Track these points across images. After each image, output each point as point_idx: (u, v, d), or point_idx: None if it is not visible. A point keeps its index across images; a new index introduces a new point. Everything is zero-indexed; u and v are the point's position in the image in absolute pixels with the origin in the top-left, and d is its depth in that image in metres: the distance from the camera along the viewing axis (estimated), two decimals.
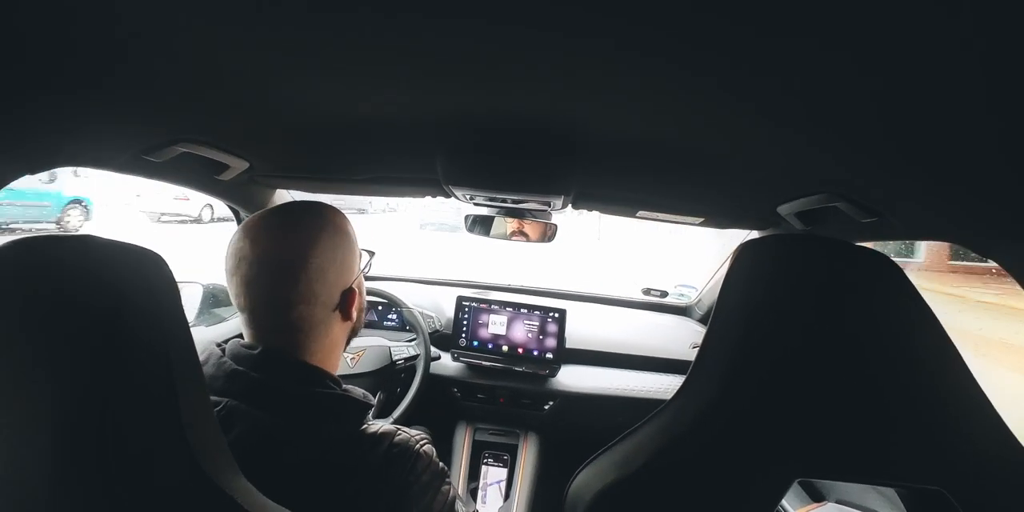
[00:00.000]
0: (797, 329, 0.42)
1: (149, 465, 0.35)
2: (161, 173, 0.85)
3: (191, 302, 1.30)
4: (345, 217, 0.66)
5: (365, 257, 0.72)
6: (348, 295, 0.63)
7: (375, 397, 1.35)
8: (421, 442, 0.61)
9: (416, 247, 8.29)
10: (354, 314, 0.65)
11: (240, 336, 0.61)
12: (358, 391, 0.61)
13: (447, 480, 0.62)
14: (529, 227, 1.34)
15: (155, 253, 0.40)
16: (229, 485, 0.38)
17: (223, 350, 0.59)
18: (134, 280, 0.36)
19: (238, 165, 0.91)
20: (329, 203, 0.66)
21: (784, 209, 0.91)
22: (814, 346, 0.41)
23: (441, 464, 0.62)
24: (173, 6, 0.38)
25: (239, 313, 0.59)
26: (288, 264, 0.57)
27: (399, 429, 0.62)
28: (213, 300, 1.39)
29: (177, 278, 0.41)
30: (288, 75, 0.51)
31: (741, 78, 0.43)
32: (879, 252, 0.45)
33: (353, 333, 0.69)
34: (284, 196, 1.34)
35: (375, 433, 0.59)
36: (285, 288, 0.57)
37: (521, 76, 0.47)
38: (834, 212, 0.79)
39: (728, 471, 0.42)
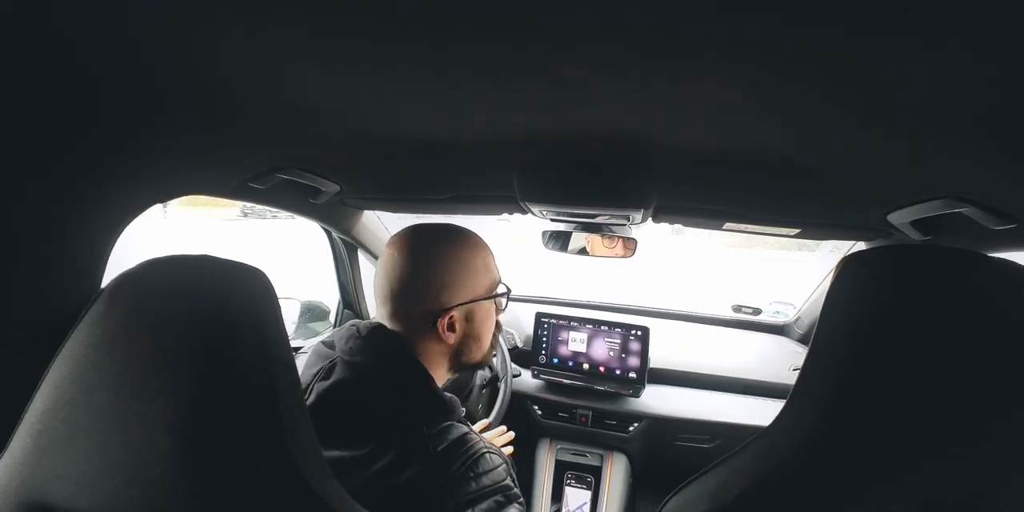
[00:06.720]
0: (913, 352, 0.37)
1: (254, 471, 0.37)
2: (265, 198, 0.95)
3: (290, 316, 1.42)
4: (469, 246, 0.71)
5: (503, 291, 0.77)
6: (441, 314, 0.67)
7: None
8: (491, 449, 0.61)
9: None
10: (447, 335, 0.68)
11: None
12: (454, 403, 0.67)
13: (513, 500, 0.59)
14: (608, 242, 1.32)
15: (260, 271, 0.44)
16: (327, 493, 0.41)
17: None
18: (243, 298, 0.40)
19: (330, 189, 0.99)
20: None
21: (896, 217, 0.82)
22: (934, 371, 0.36)
23: (510, 483, 0.60)
24: (273, 52, 0.42)
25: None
26: (404, 273, 0.67)
27: (471, 432, 0.63)
28: (309, 315, 1.50)
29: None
30: (374, 105, 0.55)
31: (841, 77, 0.39)
32: (1018, 263, 0.39)
33: (458, 360, 0.73)
34: (371, 216, 1.43)
35: (446, 426, 0.62)
36: (392, 288, 0.68)
37: (600, 92, 0.47)
38: (959, 219, 0.69)
39: (832, 509, 0.38)
